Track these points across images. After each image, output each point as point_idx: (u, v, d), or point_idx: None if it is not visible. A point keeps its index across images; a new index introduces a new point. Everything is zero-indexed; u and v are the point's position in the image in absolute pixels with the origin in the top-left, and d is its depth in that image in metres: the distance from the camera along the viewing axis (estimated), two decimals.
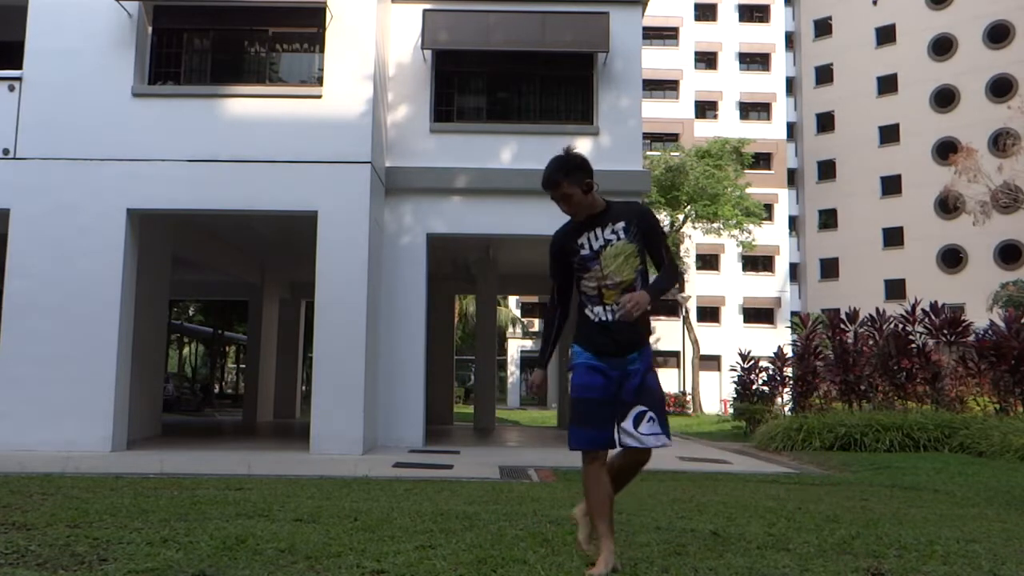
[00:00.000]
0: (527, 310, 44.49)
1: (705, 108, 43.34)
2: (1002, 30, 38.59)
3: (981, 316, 20.58)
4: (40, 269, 9.69)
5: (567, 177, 3.32)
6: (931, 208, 39.44)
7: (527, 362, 43.13)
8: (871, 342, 13.29)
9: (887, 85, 42.02)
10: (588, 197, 3.33)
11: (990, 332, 12.54)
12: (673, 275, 3.34)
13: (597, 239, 3.33)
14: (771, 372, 16.24)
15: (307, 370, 25.01)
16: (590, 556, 3.33)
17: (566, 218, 3.48)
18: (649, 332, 3.43)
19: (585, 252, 3.34)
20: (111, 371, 9.58)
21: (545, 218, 11.10)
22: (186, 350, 40.53)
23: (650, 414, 3.23)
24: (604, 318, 3.30)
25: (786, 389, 15.88)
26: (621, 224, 3.33)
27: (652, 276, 3.38)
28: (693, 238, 36.39)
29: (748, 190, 33.74)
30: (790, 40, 46.50)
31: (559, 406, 19.69)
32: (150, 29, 10.55)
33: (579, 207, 3.34)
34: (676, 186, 31.25)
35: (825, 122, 44.58)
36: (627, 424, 3.22)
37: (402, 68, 11.95)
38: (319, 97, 10.33)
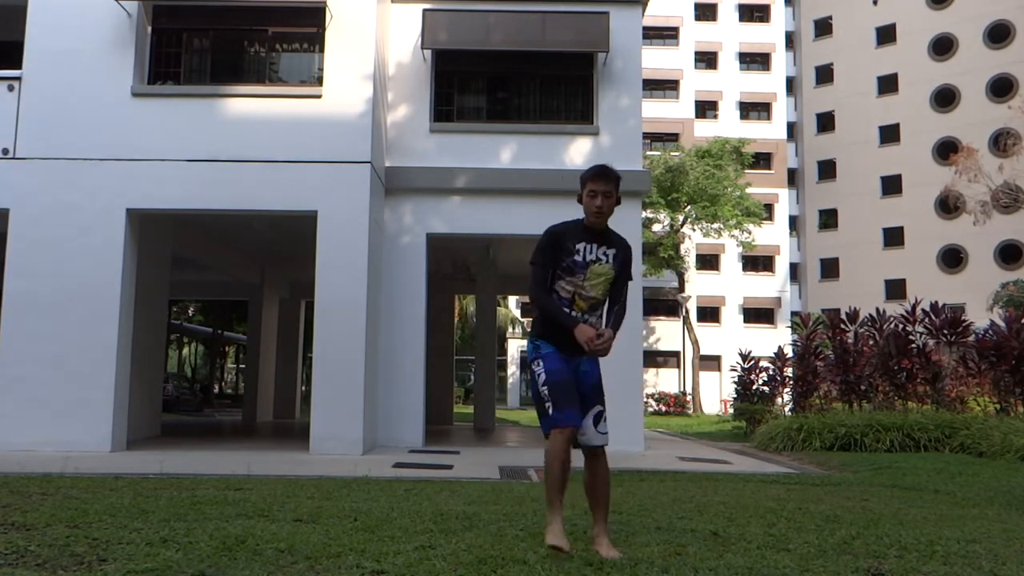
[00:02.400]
0: (527, 310, 44.49)
1: (705, 108, 43.33)
2: (1002, 30, 38.58)
3: (981, 316, 20.57)
4: (40, 269, 9.68)
5: (618, 180, 3.63)
6: (931, 208, 39.44)
7: (527, 362, 43.10)
8: (871, 342, 13.28)
9: (887, 85, 42.02)
10: (613, 208, 3.64)
11: (990, 332, 12.53)
12: (621, 319, 3.66)
13: (591, 252, 3.60)
14: (771, 372, 16.24)
15: (307, 370, 25.01)
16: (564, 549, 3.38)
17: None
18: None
19: (578, 258, 3.58)
20: (111, 371, 9.57)
21: (545, 218, 11.12)
22: (186, 350, 40.55)
23: (605, 414, 3.60)
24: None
25: (786, 389, 15.87)
26: (613, 251, 3.65)
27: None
28: (693, 238, 36.38)
29: (748, 190, 33.74)
30: (790, 40, 46.49)
31: None
32: (150, 29, 10.54)
33: (609, 212, 3.62)
34: (676, 186, 31.25)
35: (825, 122, 44.58)
36: (588, 421, 3.53)
37: (402, 68, 11.95)
38: (319, 97, 10.32)
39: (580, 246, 3.57)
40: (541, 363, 3.56)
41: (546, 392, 3.49)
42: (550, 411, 3.46)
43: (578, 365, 3.59)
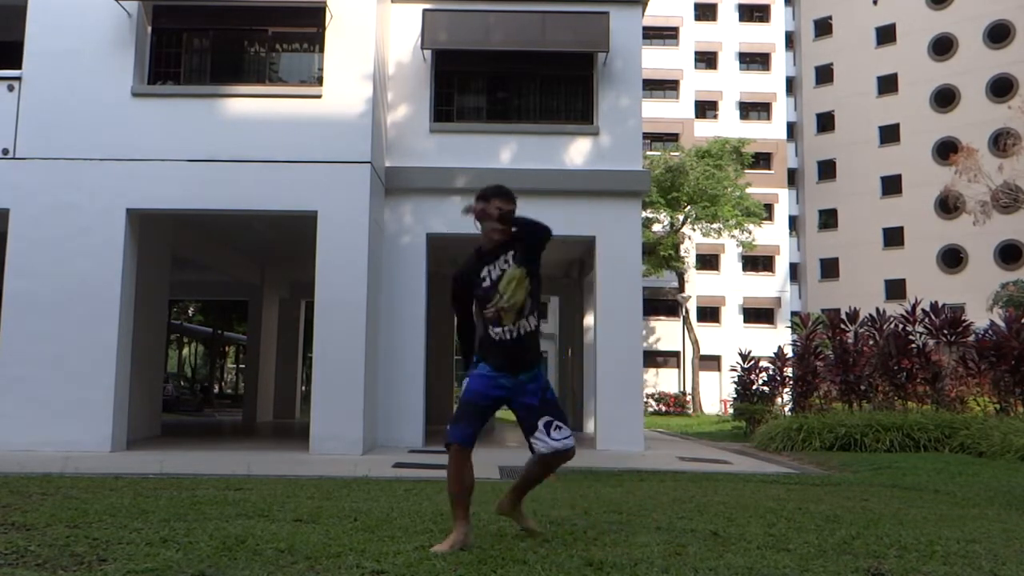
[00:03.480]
0: None
1: (705, 108, 43.33)
2: (1002, 30, 38.58)
3: (981, 316, 20.57)
4: (40, 269, 9.68)
5: (505, 196, 3.78)
6: (931, 208, 39.43)
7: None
8: (871, 342, 13.28)
9: (887, 85, 42.02)
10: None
11: (990, 332, 12.53)
12: (536, 227, 3.67)
13: (495, 270, 3.70)
14: (771, 372, 16.23)
15: (307, 370, 25.01)
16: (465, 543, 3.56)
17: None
18: (538, 356, 3.82)
19: (486, 284, 3.70)
20: (111, 371, 9.57)
21: (545, 218, 11.12)
22: (186, 350, 40.55)
23: (556, 423, 3.70)
24: (503, 337, 3.69)
25: (786, 389, 15.87)
26: (510, 252, 3.71)
27: (532, 299, 3.75)
28: (693, 239, 36.38)
29: (748, 190, 33.72)
30: (790, 40, 46.49)
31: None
32: (150, 29, 10.55)
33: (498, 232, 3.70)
34: (676, 186, 31.23)
35: (825, 122, 44.58)
36: (540, 433, 3.68)
37: (402, 68, 11.95)
38: (319, 97, 10.32)
39: (484, 272, 3.71)
40: (467, 380, 3.77)
41: (461, 405, 3.68)
42: (454, 424, 3.64)
43: (520, 384, 3.70)
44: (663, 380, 38.90)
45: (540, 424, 3.68)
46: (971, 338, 12.85)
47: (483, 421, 3.67)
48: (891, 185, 41.38)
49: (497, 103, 12.43)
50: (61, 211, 9.81)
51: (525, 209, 3.86)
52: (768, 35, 43.81)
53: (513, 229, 3.67)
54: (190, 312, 34.37)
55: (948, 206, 36.22)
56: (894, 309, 15.44)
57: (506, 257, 3.71)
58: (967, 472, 8.15)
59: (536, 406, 3.71)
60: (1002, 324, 12.32)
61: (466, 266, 3.80)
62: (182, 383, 32.21)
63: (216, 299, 26.46)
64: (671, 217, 32.74)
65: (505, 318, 3.67)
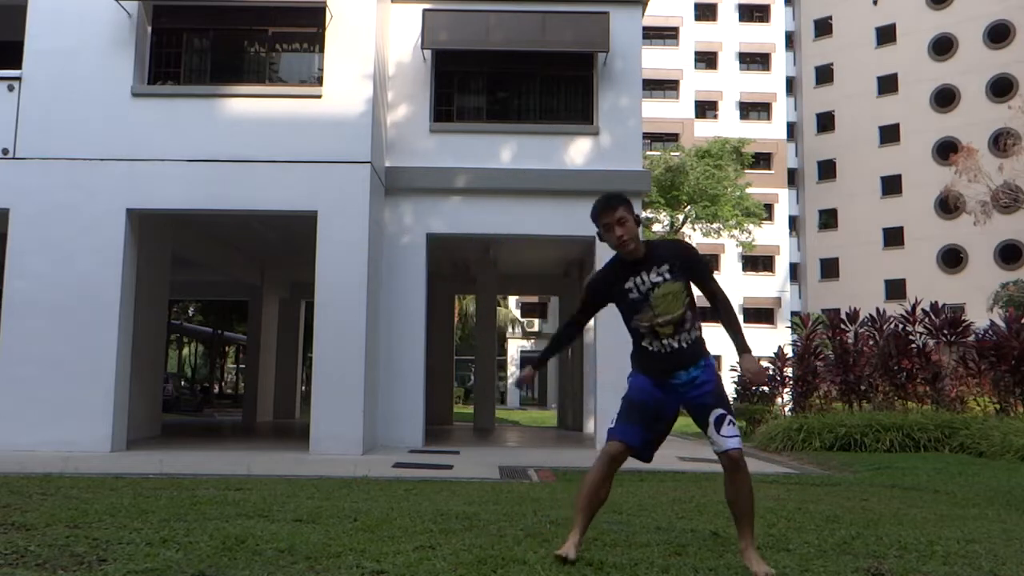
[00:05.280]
0: (527, 310, 44.48)
1: (705, 108, 43.34)
2: (1002, 30, 38.58)
3: (981, 316, 20.57)
4: (40, 269, 9.68)
5: (624, 203, 3.50)
6: (931, 208, 39.43)
7: (527, 362, 43.13)
8: (871, 342, 13.28)
9: (887, 85, 42.01)
10: (637, 229, 3.49)
11: (990, 332, 12.53)
12: (731, 309, 3.50)
13: (644, 283, 3.45)
14: (771, 372, 16.23)
15: (307, 370, 25.01)
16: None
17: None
18: (701, 353, 3.50)
19: (635, 296, 3.46)
20: (111, 371, 9.57)
21: (545, 218, 11.13)
22: (186, 350, 40.54)
23: (729, 417, 3.37)
24: (659, 351, 3.45)
25: (786, 389, 15.87)
26: (666, 267, 3.45)
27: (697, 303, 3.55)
28: (693, 238, 36.36)
29: (748, 190, 33.71)
30: (790, 40, 46.50)
31: (559, 407, 19.68)
32: (150, 29, 10.54)
33: (632, 236, 3.46)
34: (676, 186, 31.23)
35: (825, 122, 44.58)
36: (711, 430, 3.36)
37: (402, 68, 11.95)
38: (319, 97, 10.32)
39: (630, 284, 3.46)
40: (630, 380, 3.58)
41: (623, 403, 3.52)
42: (619, 423, 3.47)
43: (687, 378, 3.43)
44: None
45: (712, 418, 3.35)
46: (971, 338, 12.85)
47: (648, 421, 3.44)
48: (891, 185, 41.38)
49: (497, 103, 12.43)
50: (61, 211, 9.81)
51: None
52: (768, 35, 43.83)
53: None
54: (190, 312, 34.36)
55: (948, 206, 36.21)
56: (894, 309, 15.43)
57: (659, 270, 3.44)
58: (967, 472, 8.15)
59: (710, 395, 3.39)
60: (1002, 324, 12.32)
61: (605, 275, 3.57)
62: (182, 383, 32.18)
63: (216, 299, 26.44)
64: (671, 217, 32.73)
65: (662, 332, 3.42)
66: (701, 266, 3.53)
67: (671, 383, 3.44)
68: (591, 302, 3.64)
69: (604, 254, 12.19)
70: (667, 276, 3.43)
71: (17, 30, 10.21)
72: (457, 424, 17.65)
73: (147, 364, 11.75)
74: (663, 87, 41.21)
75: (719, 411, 3.35)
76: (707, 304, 3.62)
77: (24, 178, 9.87)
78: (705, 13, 43.76)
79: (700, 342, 3.50)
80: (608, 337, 11.27)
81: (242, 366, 35.76)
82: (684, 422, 22.16)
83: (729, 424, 3.34)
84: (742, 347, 3.43)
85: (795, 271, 44.39)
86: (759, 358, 3.61)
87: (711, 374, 3.45)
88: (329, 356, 9.87)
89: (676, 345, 3.43)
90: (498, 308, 23.13)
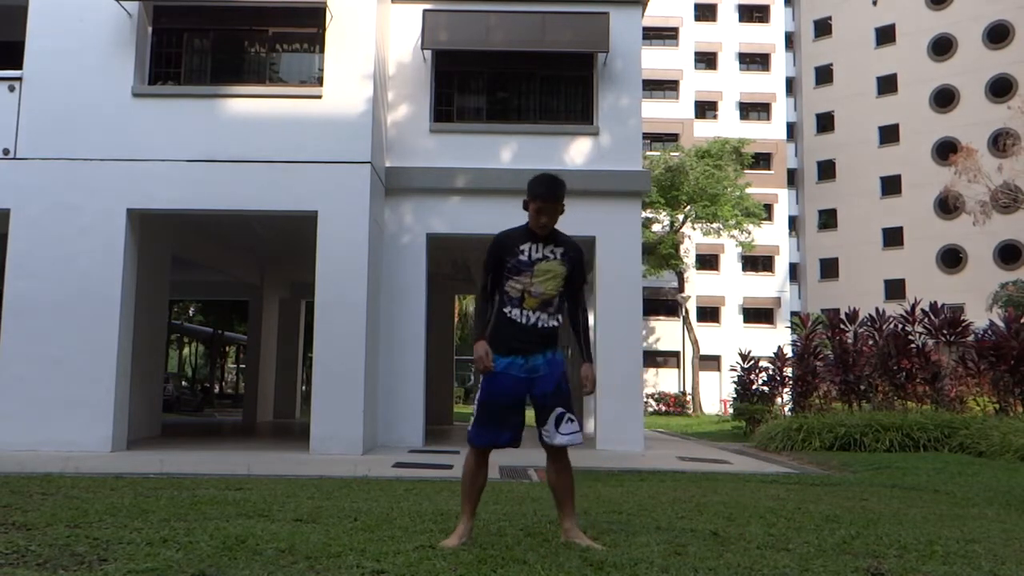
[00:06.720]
0: None
1: (705, 108, 43.34)
2: (1002, 30, 38.59)
3: (981, 316, 20.58)
4: (40, 269, 9.69)
5: (563, 197, 3.74)
6: (931, 208, 39.45)
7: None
8: (871, 342, 13.29)
9: (887, 85, 42.03)
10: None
11: (990, 332, 12.54)
12: (587, 320, 3.82)
13: (537, 252, 3.69)
14: (771, 372, 16.24)
15: (307, 370, 25.01)
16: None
17: (562, 221, 3.77)
18: (555, 343, 3.74)
19: (523, 258, 3.67)
20: (111, 371, 9.58)
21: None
22: (186, 350, 40.55)
23: (568, 415, 3.61)
24: (518, 320, 3.65)
25: (786, 389, 15.88)
26: (561, 250, 3.72)
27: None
28: (693, 238, 36.39)
29: (748, 190, 33.73)
30: (790, 40, 46.50)
31: None
32: (150, 29, 10.55)
33: (553, 224, 3.72)
34: (676, 186, 31.25)
35: (825, 122, 44.59)
36: (550, 425, 3.60)
37: (402, 68, 11.95)
38: (319, 97, 10.33)
39: (525, 247, 3.68)
40: (485, 381, 3.69)
41: (479, 408, 3.67)
42: (469, 426, 3.68)
43: (536, 367, 3.63)
44: (663, 380, 38.91)
45: (553, 415, 3.59)
46: (970, 338, 12.86)
47: (512, 420, 3.64)
48: (891, 185, 41.39)
49: (497, 103, 12.43)
50: (61, 211, 9.81)
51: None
52: (768, 35, 43.82)
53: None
54: (190, 312, 34.37)
55: (948, 206, 36.22)
56: (894, 309, 15.44)
57: (554, 248, 3.70)
58: (967, 472, 8.15)
59: (550, 394, 3.62)
60: (1001, 324, 12.33)
61: (512, 233, 3.77)
62: (182, 383, 32.19)
63: (216, 299, 26.46)
64: (671, 217, 32.74)
65: (527, 302, 3.64)
66: (581, 271, 3.77)
67: (520, 377, 3.61)
68: (497, 256, 3.73)
69: (603, 254, 12.22)
70: (558, 257, 3.69)
71: (17, 30, 10.22)
72: (457, 424, 17.64)
73: (147, 364, 11.76)
74: (663, 87, 41.20)
75: (560, 409, 3.60)
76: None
77: (25, 178, 9.88)
78: (705, 13, 43.77)
79: (556, 333, 3.69)
80: (608, 337, 11.29)
81: (242, 366, 35.76)
82: (684, 422, 22.04)
83: (568, 422, 3.60)
84: (587, 356, 3.74)
85: (795, 271, 44.40)
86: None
87: (557, 370, 3.66)
88: (329, 356, 9.87)
89: (534, 319, 3.64)
90: None
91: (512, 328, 3.65)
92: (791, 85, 45.88)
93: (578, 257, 3.75)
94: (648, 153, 33.23)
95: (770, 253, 41.14)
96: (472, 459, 3.72)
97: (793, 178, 45.30)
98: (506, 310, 3.67)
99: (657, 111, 39.55)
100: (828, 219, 43.97)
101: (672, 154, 33.47)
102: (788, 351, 16.33)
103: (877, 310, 13.79)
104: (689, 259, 36.54)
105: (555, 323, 3.68)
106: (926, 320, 13.01)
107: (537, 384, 3.63)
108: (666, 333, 39.37)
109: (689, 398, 34.25)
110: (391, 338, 11.18)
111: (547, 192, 3.66)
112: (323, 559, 3.35)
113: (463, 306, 33.72)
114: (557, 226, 3.75)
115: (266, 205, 10.16)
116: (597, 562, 3.36)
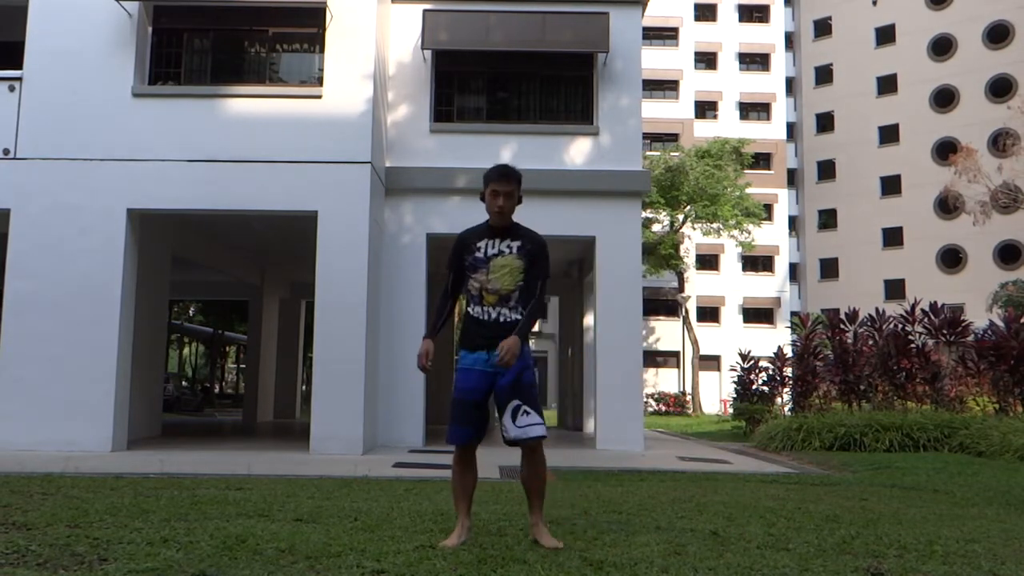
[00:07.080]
0: None
1: (705, 108, 43.34)
2: (1002, 30, 38.60)
3: (981, 316, 20.59)
4: (40, 269, 9.69)
5: (519, 181, 3.84)
6: (931, 208, 39.45)
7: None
8: (871, 342, 13.29)
9: (887, 85, 42.03)
10: (515, 207, 3.82)
11: (990, 332, 12.55)
12: (538, 313, 3.76)
13: (493, 247, 3.76)
14: (771, 372, 16.24)
15: (307, 370, 25.01)
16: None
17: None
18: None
19: (479, 255, 3.75)
20: (111, 371, 9.58)
21: (545, 218, 11.12)
22: (186, 350, 40.56)
23: (524, 408, 3.61)
24: (479, 316, 3.72)
25: (786, 389, 15.88)
26: (517, 244, 3.76)
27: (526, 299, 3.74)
28: (693, 238, 36.38)
29: (748, 190, 33.73)
30: (790, 40, 46.50)
31: (559, 406, 19.68)
32: (150, 29, 10.55)
33: (510, 211, 3.79)
34: (676, 186, 31.24)
35: (825, 122, 44.59)
36: (506, 418, 3.61)
37: (402, 68, 11.95)
38: (319, 97, 10.33)
39: (481, 243, 3.76)
40: (456, 379, 3.75)
41: (454, 406, 3.72)
42: (453, 425, 3.70)
43: (489, 359, 3.65)
44: (663, 380, 38.92)
45: (508, 408, 3.60)
46: (970, 338, 12.86)
47: (480, 416, 3.69)
48: (891, 185, 41.39)
49: (497, 103, 12.43)
50: (61, 211, 9.82)
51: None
52: (768, 35, 43.82)
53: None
54: (190, 312, 34.37)
55: (948, 206, 36.23)
56: (893, 309, 15.45)
57: (510, 243, 3.74)
58: (966, 472, 8.15)
59: (507, 387, 3.61)
60: (1001, 324, 12.33)
61: (472, 231, 3.86)
62: (182, 383, 32.19)
63: (216, 299, 26.46)
64: (671, 217, 32.73)
65: (487, 298, 3.70)
66: (542, 263, 3.78)
67: (487, 371, 3.64)
68: (458, 254, 3.81)
69: (603, 254, 12.21)
70: (513, 251, 3.73)
71: (17, 30, 10.22)
72: None
73: (147, 364, 11.76)
74: (663, 87, 41.19)
75: (516, 402, 3.60)
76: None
77: (25, 178, 9.88)
78: (705, 13, 43.76)
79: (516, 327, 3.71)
80: (608, 337, 11.29)
81: (242, 366, 35.75)
82: (684, 422, 22.07)
83: (524, 415, 3.59)
84: (520, 332, 3.66)
85: (795, 271, 44.40)
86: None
87: (519, 364, 3.63)
88: (329, 356, 9.88)
89: (495, 315, 3.68)
90: None
91: (475, 325, 3.71)
92: (791, 85, 45.88)
93: (537, 250, 3.76)
94: (648, 153, 33.23)
95: (770, 253, 41.14)
96: (456, 458, 3.75)
97: (793, 178, 45.30)
98: (469, 308, 3.75)
99: (657, 111, 39.56)
100: (828, 219, 43.97)
101: (672, 154, 33.46)
102: (788, 351, 16.33)
103: (877, 310, 13.79)
104: (689, 259, 36.54)
105: (517, 317, 3.70)
106: (926, 320, 13.01)
107: (499, 378, 3.66)
108: (666, 333, 39.37)
109: (689, 398, 34.24)
110: (391, 338, 11.18)
111: (498, 175, 3.76)
112: (323, 559, 3.36)
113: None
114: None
115: (266, 205, 10.16)
116: (597, 562, 3.36)
